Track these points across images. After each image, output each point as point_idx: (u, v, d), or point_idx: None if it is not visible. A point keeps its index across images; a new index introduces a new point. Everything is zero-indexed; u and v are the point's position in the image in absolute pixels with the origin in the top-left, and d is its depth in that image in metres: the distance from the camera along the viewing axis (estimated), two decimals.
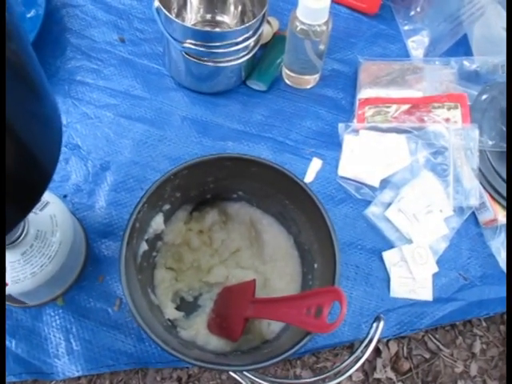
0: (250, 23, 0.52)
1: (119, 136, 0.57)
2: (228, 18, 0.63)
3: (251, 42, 0.54)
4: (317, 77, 0.63)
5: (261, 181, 0.45)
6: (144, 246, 0.42)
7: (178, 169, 0.39)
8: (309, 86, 0.63)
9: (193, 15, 0.63)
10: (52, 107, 0.33)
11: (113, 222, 0.54)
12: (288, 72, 0.62)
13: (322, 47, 0.57)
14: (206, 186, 0.46)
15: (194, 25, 0.62)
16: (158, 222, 0.43)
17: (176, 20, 0.52)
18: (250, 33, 0.53)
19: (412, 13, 0.69)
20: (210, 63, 0.55)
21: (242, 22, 0.61)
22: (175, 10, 0.61)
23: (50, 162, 0.34)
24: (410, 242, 0.55)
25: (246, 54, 0.56)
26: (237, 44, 0.53)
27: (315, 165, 0.57)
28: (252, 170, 0.43)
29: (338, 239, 0.39)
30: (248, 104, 0.61)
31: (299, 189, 0.43)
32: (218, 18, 0.63)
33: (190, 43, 0.53)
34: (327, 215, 0.40)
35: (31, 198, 0.33)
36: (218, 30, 0.61)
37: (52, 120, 0.33)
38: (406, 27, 0.69)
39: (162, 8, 0.52)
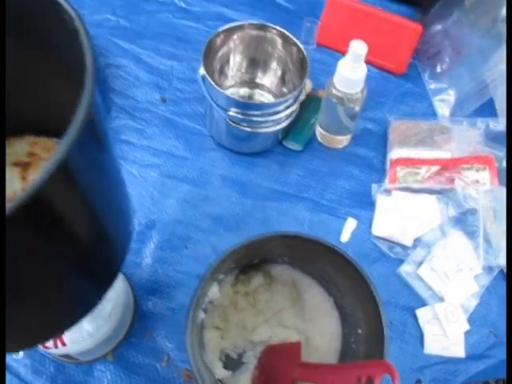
0: (290, 96, 0.57)
1: (163, 195, 0.62)
2: (268, 81, 0.68)
3: (290, 110, 0.59)
4: (349, 137, 0.67)
5: (304, 249, 0.49)
6: (201, 315, 0.46)
7: (235, 248, 0.43)
8: (341, 146, 0.68)
9: (234, 72, 0.68)
10: (126, 195, 0.37)
11: (159, 279, 0.58)
12: (322, 132, 0.67)
13: (355, 112, 0.62)
14: (256, 255, 0.50)
15: (234, 85, 0.68)
16: (214, 292, 0.47)
17: (220, 90, 0.57)
18: (290, 101, 0.58)
19: (438, 71, 0.74)
20: (250, 129, 0.60)
21: (283, 81, 0.66)
22: (217, 67, 0.66)
23: (124, 243, 0.38)
24: (441, 299, 0.58)
25: (285, 120, 0.60)
26: (276, 113, 0.58)
27: (350, 224, 0.62)
28: (297, 242, 0.48)
29: (385, 313, 0.43)
30: (285, 164, 0.65)
31: (342, 259, 0.47)
32: (258, 80, 0.68)
33: (233, 111, 0.58)
34: (375, 290, 0.44)
35: (110, 277, 0.37)
36: (261, 101, 0.67)
37: (126, 207, 0.37)
38: (432, 86, 0.74)
39: (208, 77, 0.57)
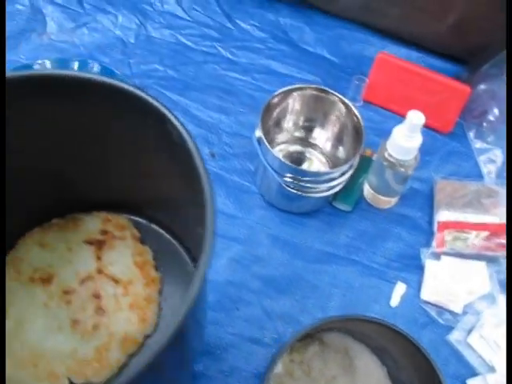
0: (346, 165, 0.58)
1: (215, 255, 0.63)
2: (321, 142, 0.69)
3: (344, 177, 0.60)
4: (397, 198, 0.68)
5: (361, 326, 0.50)
6: None
7: (299, 333, 0.44)
8: (389, 206, 0.68)
9: (289, 129, 0.69)
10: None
11: (210, 341, 0.59)
12: (370, 192, 0.67)
13: (407, 176, 0.63)
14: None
15: (287, 141, 0.69)
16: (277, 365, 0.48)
17: (277, 155, 0.58)
18: (345, 169, 0.59)
19: (483, 130, 0.75)
20: (303, 193, 0.61)
21: (336, 145, 0.67)
22: (272, 124, 0.67)
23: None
24: (492, 369, 0.58)
25: (337, 186, 0.61)
26: (331, 180, 0.59)
27: (400, 289, 0.62)
28: (356, 322, 0.48)
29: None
30: (334, 225, 0.66)
31: (402, 337, 0.48)
32: (311, 140, 0.69)
33: (288, 176, 0.59)
34: (438, 369, 0.45)
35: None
36: (311, 159, 0.68)
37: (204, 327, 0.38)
38: (478, 145, 0.75)
39: (265, 141, 0.58)
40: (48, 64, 0.74)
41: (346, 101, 0.62)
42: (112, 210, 0.44)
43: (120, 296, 0.40)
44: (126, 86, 0.32)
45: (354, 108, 0.62)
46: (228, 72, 0.79)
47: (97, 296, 0.40)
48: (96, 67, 0.74)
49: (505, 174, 0.71)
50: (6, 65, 0.80)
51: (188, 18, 0.86)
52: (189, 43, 0.83)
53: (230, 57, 0.81)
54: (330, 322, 0.45)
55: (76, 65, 0.74)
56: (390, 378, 0.54)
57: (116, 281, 0.40)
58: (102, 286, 0.40)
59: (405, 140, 0.59)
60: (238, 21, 0.85)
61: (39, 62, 0.74)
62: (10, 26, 0.84)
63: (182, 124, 0.30)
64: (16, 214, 0.40)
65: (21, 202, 0.40)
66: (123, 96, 0.33)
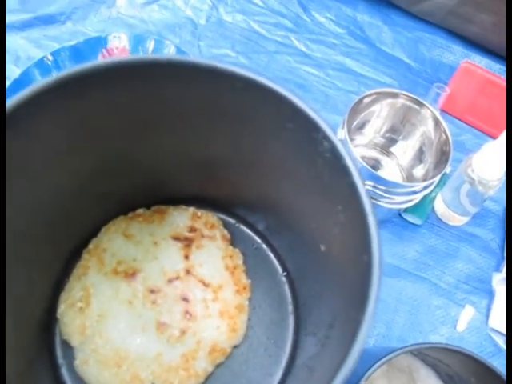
0: (430, 181, 0.54)
1: None
2: (401, 153, 0.66)
3: (423, 193, 0.57)
4: (469, 217, 0.64)
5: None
6: None
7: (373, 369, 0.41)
8: (460, 224, 0.65)
9: (371, 133, 0.66)
10: None
11: None
12: (443, 207, 0.64)
13: (485, 198, 0.59)
14: None
15: (366, 145, 0.65)
16: None
17: (360, 161, 0.55)
18: (428, 183, 0.56)
19: None
20: (377, 202, 0.57)
21: (416, 160, 0.64)
22: (354, 126, 0.63)
23: None
24: None
25: (414, 200, 0.58)
26: (410, 194, 0.56)
27: (468, 313, 0.59)
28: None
29: None
30: (403, 237, 0.63)
31: (482, 366, 0.45)
32: (392, 149, 0.66)
33: (365, 182, 0.55)
34: None
35: None
36: (386, 170, 0.64)
37: None
38: None
39: (349, 143, 0.55)
40: (124, 38, 0.71)
41: (438, 116, 0.58)
42: (201, 206, 0.41)
43: (209, 301, 0.37)
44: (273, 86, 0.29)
45: (444, 125, 0.58)
46: (301, 65, 0.76)
47: (185, 299, 0.37)
48: (172, 49, 0.71)
49: None
50: (73, 36, 0.78)
51: (262, 5, 0.82)
52: (262, 31, 0.79)
53: (304, 49, 0.77)
54: (420, 348, 0.42)
55: (152, 43, 0.71)
56: None
57: (205, 284, 0.38)
58: (191, 289, 0.37)
59: (495, 159, 0.55)
60: (313, 12, 0.81)
61: (115, 34, 0.72)
62: None
63: (333, 133, 0.27)
64: (100, 200, 0.38)
65: (105, 187, 0.37)
66: (256, 89, 0.30)
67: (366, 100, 0.59)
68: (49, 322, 0.36)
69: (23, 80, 0.69)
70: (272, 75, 0.74)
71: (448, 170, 0.66)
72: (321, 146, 0.26)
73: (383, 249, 0.62)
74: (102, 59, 0.29)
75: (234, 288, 0.38)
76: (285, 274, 0.42)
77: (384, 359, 0.42)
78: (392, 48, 0.79)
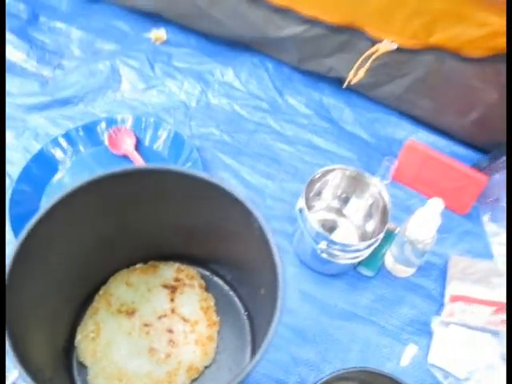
0: (373, 240, 0.70)
1: None
2: (353, 214, 0.82)
3: (370, 249, 0.72)
4: (415, 269, 0.80)
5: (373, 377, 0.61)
6: None
7: (327, 379, 0.55)
8: (407, 275, 0.80)
9: (327, 200, 0.82)
10: None
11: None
12: (392, 261, 0.79)
13: (424, 252, 0.75)
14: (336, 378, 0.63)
15: (324, 209, 0.82)
16: None
17: (315, 227, 0.71)
18: (371, 242, 0.71)
19: (496, 215, 0.86)
20: (333, 259, 0.73)
21: (366, 219, 0.80)
22: (312, 195, 0.79)
23: None
24: None
25: (363, 255, 0.74)
26: (359, 251, 0.71)
27: (410, 350, 0.73)
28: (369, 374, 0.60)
29: None
30: (357, 287, 0.78)
31: None
32: (345, 211, 0.82)
33: (323, 244, 0.71)
34: None
35: None
36: (344, 228, 0.80)
37: None
38: (490, 228, 0.86)
39: (307, 212, 0.71)
40: (129, 119, 0.90)
41: (379, 184, 0.75)
42: (184, 262, 0.57)
43: (188, 333, 0.52)
44: (233, 192, 0.46)
45: (384, 191, 0.74)
46: (276, 142, 0.93)
47: (170, 331, 0.52)
48: (169, 129, 0.89)
49: None
50: (85, 116, 0.96)
51: (244, 90, 1.01)
52: (243, 112, 0.98)
53: (279, 129, 0.95)
54: (348, 372, 0.57)
55: (152, 123, 0.90)
56: None
57: (185, 320, 0.53)
58: (174, 323, 0.52)
59: (425, 222, 0.71)
60: (287, 96, 1.00)
61: (120, 116, 0.90)
62: (91, 82, 1.00)
63: (262, 217, 0.43)
64: (112, 258, 0.54)
65: (116, 250, 0.53)
66: (229, 196, 0.46)
67: (319, 175, 0.75)
68: (69, 348, 0.50)
69: (42, 155, 0.86)
70: (250, 151, 0.92)
71: (397, 230, 0.82)
72: (254, 225, 0.42)
73: (340, 297, 0.77)
74: (118, 168, 0.43)
75: (206, 323, 0.53)
76: (246, 313, 0.57)
77: (324, 379, 0.56)
78: (353, 126, 0.97)
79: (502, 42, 0.75)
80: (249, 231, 0.44)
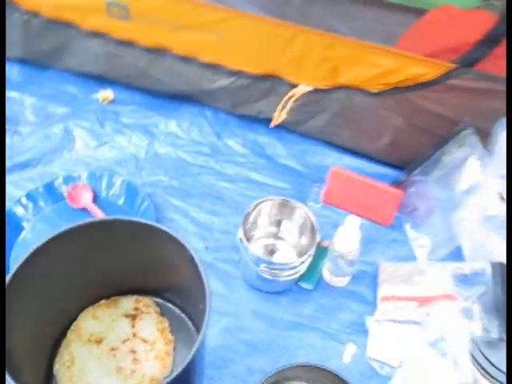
0: (304, 259, 0.83)
1: (210, 326, 0.85)
2: (288, 236, 0.94)
3: (305, 264, 0.86)
4: (349, 278, 0.93)
5: (312, 372, 0.73)
6: None
7: (270, 375, 0.67)
8: (343, 285, 0.93)
9: (264, 227, 0.94)
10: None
11: None
12: (328, 274, 0.92)
13: (352, 262, 0.88)
14: (281, 376, 0.74)
15: (263, 236, 0.94)
16: None
17: (253, 253, 0.83)
18: (304, 258, 0.85)
19: (416, 222, 1.01)
20: (274, 277, 0.85)
21: (300, 237, 0.93)
22: (250, 225, 0.92)
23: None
24: None
25: (300, 270, 0.86)
26: (295, 267, 0.84)
27: (350, 349, 0.85)
28: (309, 368, 0.72)
29: None
30: (300, 300, 0.90)
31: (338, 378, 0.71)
32: (281, 234, 0.95)
33: (262, 266, 0.84)
34: None
35: None
36: (283, 261, 0.92)
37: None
38: (412, 234, 1.01)
39: (245, 241, 0.84)
40: (84, 176, 1.01)
41: (304, 207, 0.89)
42: (141, 294, 0.69)
43: (148, 351, 0.63)
44: (169, 232, 0.58)
45: (310, 212, 0.88)
46: (218, 181, 1.06)
47: (133, 351, 0.63)
48: (121, 180, 1.01)
49: (432, 257, 0.97)
50: (45, 176, 1.06)
51: (186, 137, 1.15)
52: (187, 158, 1.11)
53: (220, 169, 1.09)
54: (291, 368, 0.69)
55: (106, 176, 1.02)
56: None
57: (145, 341, 0.64)
58: (137, 345, 0.63)
59: (346, 237, 0.85)
60: (225, 139, 1.14)
61: (76, 174, 1.02)
62: (47, 145, 1.12)
63: (190, 247, 0.55)
64: (79, 298, 0.65)
65: (82, 290, 0.65)
66: (166, 236, 0.58)
67: (253, 207, 0.88)
68: (49, 376, 0.61)
69: (8, 216, 0.97)
70: (196, 191, 1.04)
71: (327, 244, 0.95)
72: (187, 255, 0.54)
73: (285, 311, 0.89)
74: (76, 223, 0.55)
75: (163, 342, 0.64)
76: (194, 328, 0.69)
77: (266, 376, 0.68)
78: (285, 159, 1.11)
79: (393, 78, 0.92)
80: (185, 261, 0.56)
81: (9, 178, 1.06)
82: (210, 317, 0.50)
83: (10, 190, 1.04)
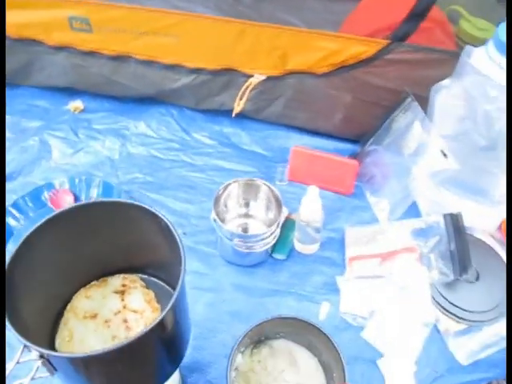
0: (273, 229, 0.93)
1: (194, 302, 0.95)
2: (257, 213, 1.03)
3: (274, 234, 0.95)
4: (318, 245, 1.02)
5: (294, 326, 0.82)
6: (232, 375, 0.78)
7: (251, 327, 0.76)
8: (313, 252, 1.03)
9: (234, 209, 1.03)
10: (188, 317, 0.71)
11: (197, 361, 0.89)
12: (298, 244, 1.02)
13: (318, 228, 0.98)
14: (262, 333, 0.83)
15: (235, 217, 1.03)
16: (238, 361, 0.80)
17: (226, 228, 0.92)
18: (273, 229, 0.94)
19: (375, 188, 1.11)
20: (249, 250, 0.95)
21: (267, 212, 1.02)
22: (222, 207, 1.01)
23: (187, 342, 0.72)
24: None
25: (272, 241, 0.96)
26: (266, 238, 0.94)
27: (325, 307, 0.95)
28: (289, 321, 0.81)
29: (345, 358, 0.75)
30: (275, 270, 0.99)
31: (318, 330, 0.80)
32: (251, 212, 1.04)
33: (236, 240, 0.93)
34: (337, 347, 0.77)
35: (180, 359, 0.70)
36: (254, 233, 1.00)
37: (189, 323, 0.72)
38: (372, 200, 1.11)
39: (218, 220, 0.93)
40: (65, 181, 1.10)
41: (268, 183, 0.98)
42: (127, 272, 0.77)
43: (139, 319, 0.71)
44: (141, 205, 0.67)
45: (273, 187, 0.98)
46: (190, 173, 1.15)
47: (125, 321, 0.71)
48: (98, 181, 1.09)
49: (392, 217, 1.07)
50: (25, 187, 1.14)
51: (156, 136, 1.23)
52: (159, 155, 1.20)
53: (190, 161, 1.18)
54: (268, 321, 0.78)
55: (83, 180, 1.10)
56: (320, 364, 0.86)
57: (135, 311, 0.72)
58: (127, 315, 0.71)
59: (309, 206, 0.95)
60: (193, 133, 1.23)
61: (56, 181, 1.10)
62: (24, 157, 1.19)
63: (167, 219, 0.64)
64: (73, 281, 0.74)
65: (76, 273, 0.73)
66: (140, 209, 0.67)
67: (221, 190, 0.97)
68: (51, 350, 0.69)
69: None
70: (170, 184, 1.13)
71: (292, 216, 1.04)
72: (162, 224, 0.63)
73: (263, 281, 0.98)
74: (77, 204, 0.65)
75: (151, 310, 0.73)
76: None
77: (247, 330, 0.77)
78: (250, 146, 1.21)
79: (337, 58, 1.02)
80: (161, 231, 0.65)
81: None
82: (184, 277, 0.59)
83: None
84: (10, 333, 0.53)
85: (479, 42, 0.90)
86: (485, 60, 0.84)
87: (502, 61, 0.81)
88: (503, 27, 0.83)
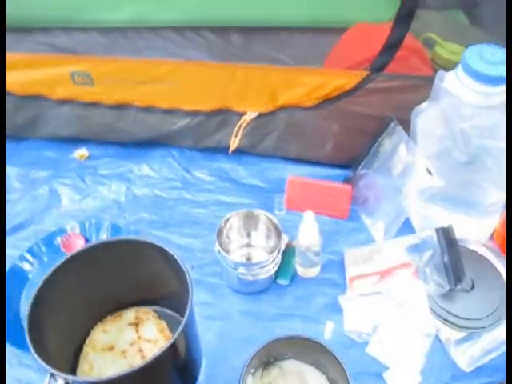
0: (275, 255, 0.99)
1: (205, 330, 0.99)
2: (259, 242, 1.09)
3: (276, 261, 1.01)
4: (319, 268, 1.08)
5: (300, 345, 0.88)
6: None
7: (259, 348, 0.82)
8: (315, 275, 1.09)
9: (236, 239, 1.09)
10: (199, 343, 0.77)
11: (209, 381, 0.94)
12: (300, 268, 1.08)
13: (317, 252, 1.04)
14: (271, 354, 0.89)
15: (238, 248, 1.10)
16: (249, 382, 0.85)
17: (230, 258, 0.99)
18: (275, 255, 1.00)
19: (369, 211, 1.18)
20: (253, 277, 1.01)
21: (268, 240, 1.08)
22: (225, 240, 1.08)
23: (200, 365, 0.77)
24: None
25: (274, 267, 1.02)
26: (268, 265, 1.00)
27: (329, 326, 1.00)
28: (296, 341, 0.86)
29: (350, 374, 0.80)
30: (279, 295, 1.05)
31: (324, 349, 0.85)
32: (252, 242, 1.10)
33: (241, 269, 0.99)
34: (343, 364, 0.82)
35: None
36: (257, 261, 1.05)
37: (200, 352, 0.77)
38: (368, 221, 1.17)
39: (222, 251, 1.00)
40: (76, 226, 1.17)
41: (266, 213, 1.05)
42: (139, 305, 0.84)
43: (153, 348, 0.77)
44: (150, 241, 0.74)
45: (272, 217, 1.04)
46: (192, 209, 1.22)
47: (140, 350, 0.77)
48: (107, 224, 1.17)
49: (387, 236, 1.13)
50: (38, 234, 1.21)
51: (159, 177, 1.31)
52: (162, 194, 1.27)
53: (192, 198, 1.25)
54: (274, 341, 0.83)
55: (93, 224, 1.17)
56: (328, 381, 0.90)
57: (149, 341, 0.78)
58: (142, 345, 0.78)
59: (306, 231, 1.01)
60: (193, 171, 1.31)
61: (68, 226, 1.17)
62: (35, 206, 1.26)
63: (174, 252, 0.71)
64: (89, 317, 0.80)
65: (91, 310, 0.80)
66: (149, 245, 0.74)
67: (224, 223, 1.04)
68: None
69: (13, 271, 1.11)
70: (175, 221, 1.20)
71: (292, 243, 1.11)
72: (170, 258, 0.70)
73: (269, 306, 1.04)
74: (88, 245, 0.74)
75: (163, 339, 0.78)
76: None
77: (255, 351, 0.83)
78: (248, 179, 1.28)
79: (321, 92, 1.10)
80: (170, 266, 0.72)
81: (6, 240, 1.20)
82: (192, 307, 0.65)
83: (10, 252, 1.17)
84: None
85: (454, 65, 0.96)
86: (456, 83, 0.91)
87: (471, 82, 0.88)
88: (470, 50, 0.91)
